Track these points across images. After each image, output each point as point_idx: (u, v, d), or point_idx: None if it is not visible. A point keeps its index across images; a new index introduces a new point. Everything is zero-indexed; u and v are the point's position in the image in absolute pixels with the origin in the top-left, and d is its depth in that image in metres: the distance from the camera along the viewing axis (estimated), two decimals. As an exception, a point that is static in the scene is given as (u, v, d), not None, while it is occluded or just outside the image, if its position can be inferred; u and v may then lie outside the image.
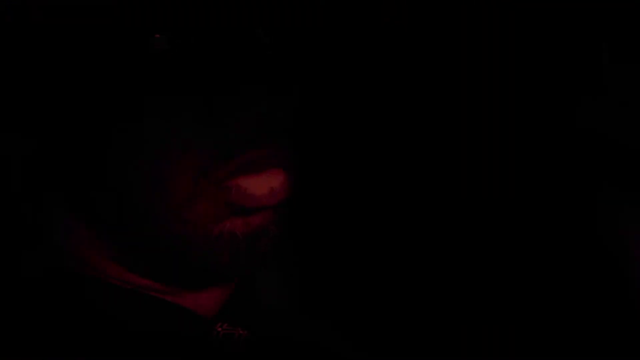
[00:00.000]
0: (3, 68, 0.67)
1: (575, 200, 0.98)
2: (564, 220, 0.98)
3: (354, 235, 1.04)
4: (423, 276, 1.02)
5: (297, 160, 0.69)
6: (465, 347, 0.99)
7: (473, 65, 0.98)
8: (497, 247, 0.99)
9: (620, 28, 0.93)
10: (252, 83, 0.66)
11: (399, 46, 1.01)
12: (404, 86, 1.02)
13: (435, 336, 1.00)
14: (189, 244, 0.66)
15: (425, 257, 1.02)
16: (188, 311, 0.70)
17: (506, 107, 0.98)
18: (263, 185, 0.66)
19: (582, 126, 0.97)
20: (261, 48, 0.68)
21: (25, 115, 0.68)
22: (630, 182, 0.96)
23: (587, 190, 0.97)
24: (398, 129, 1.03)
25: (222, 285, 0.72)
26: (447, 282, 1.01)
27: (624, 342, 0.95)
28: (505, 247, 0.99)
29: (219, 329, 0.71)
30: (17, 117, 0.68)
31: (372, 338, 0.97)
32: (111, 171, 0.66)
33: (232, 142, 0.66)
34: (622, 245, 0.96)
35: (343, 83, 1.02)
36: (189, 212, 0.66)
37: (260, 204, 0.67)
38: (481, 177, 1.00)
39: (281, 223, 0.69)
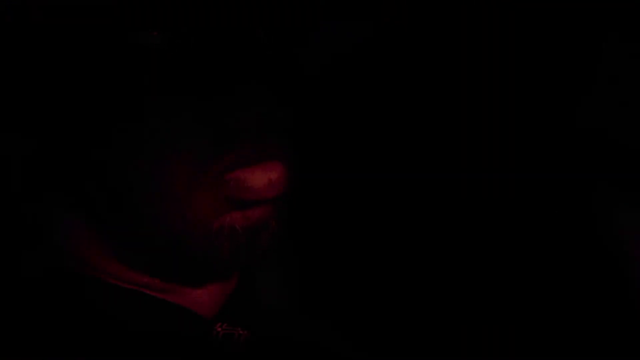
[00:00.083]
0: (3, 68, 0.67)
1: (575, 200, 0.98)
2: (564, 220, 0.98)
3: (354, 235, 1.04)
4: (423, 276, 1.02)
5: (295, 154, 0.69)
6: (465, 347, 0.99)
7: (473, 65, 0.98)
8: (497, 247, 0.99)
9: (620, 28, 0.93)
10: (252, 83, 0.66)
11: (399, 46, 1.01)
12: (404, 86, 1.02)
13: (435, 336, 1.00)
14: (188, 239, 0.66)
15: (425, 257, 1.02)
16: (188, 311, 0.70)
17: (506, 106, 0.98)
18: (261, 177, 0.66)
19: (582, 126, 0.97)
20: (261, 48, 0.68)
21: (25, 115, 0.68)
22: (629, 182, 0.96)
23: (587, 189, 0.97)
24: (398, 128, 1.03)
25: (222, 283, 0.72)
26: (447, 282, 1.01)
27: (624, 342, 0.95)
28: (505, 247, 0.99)
29: (219, 329, 0.71)
30: (17, 117, 0.68)
31: (372, 338, 0.97)
32: (111, 171, 0.66)
33: (232, 140, 0.66)
34: (621, 245, 0.96)
35: (343, 83, 1.02)
36: (188, 206, 0.66)
37: (258, 196, 0.67)
38: (481, 177, 1.00)
39: (281, 218, 0.69)
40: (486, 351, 0.98)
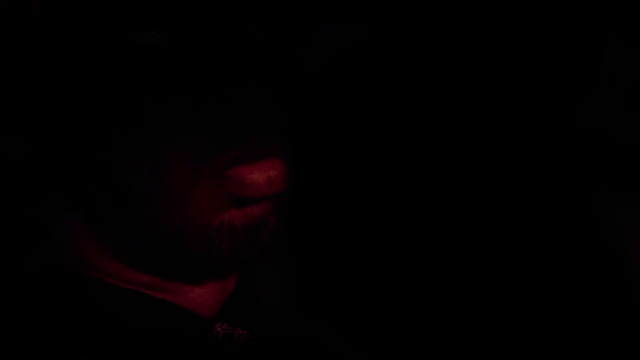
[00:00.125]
0: (3, 68, 0.67)
1: (575, 200, 0.98)
2: (564, 220, 0.98)
3: (354, 235, 1.04)
4: (423, 276, 1.02)
5: (295, 152, 0.69)
6: (465, 347, 0.99)
7: (473, 65, 0.98)
8: (497, 247, 0.99)
9: (620, 28, 0.93)
10: (252, 83, 0.67)
11: (399, 46, 1.01)
12: (404, 86, 1.02)
13: (435, 336, 1.00)
14: (188, 237, 0.66)
15: (425, 257, 1.02)
16: (188, 311, 0.70)
17: (506, 106, 0.98)
18: (260, 174, 0.67)
19: (582, 126, 0.97)
20: (261, 48, 0.68)
21: (25, 115, 0.68)
22: (629, 182, 0.96)
23: (587, 189, 0.97)
24: (398, 128, 1.03)
25: (222, 283, 0.72)
26: (447, 282, 1.01)
27: (624, 342, 0.95)
28: (506, 247, 0.99)
29: (219, 329, 0.71)
30: (17, 117, 0.68)
31: (372, 338, 0.97)
32: (111, 171, 0.66)
33: (231, 139, 0.66)
34: (621, 245, 0.96)
35: (343, 83, 1.02)
36: (188, 205, 0.66)
37: (258, 193, 0.67)
38: (481, 177, 1.00)
39: (281, 216, 0.69)
40: (486, 351, 0.98)
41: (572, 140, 0.97)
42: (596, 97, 0.96)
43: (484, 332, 0.98)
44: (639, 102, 0.94)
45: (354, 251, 1.03)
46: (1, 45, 0.67)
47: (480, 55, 0.97)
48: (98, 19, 0.65)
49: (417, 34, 1.00)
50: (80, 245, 0.69)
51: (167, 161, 0.66)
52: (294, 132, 0.69)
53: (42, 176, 0.69)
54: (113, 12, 0.65)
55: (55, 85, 0.66)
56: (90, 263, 0.69)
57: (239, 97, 0.66)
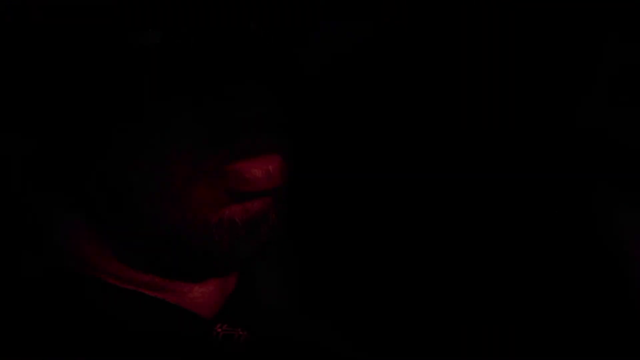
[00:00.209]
0: (3, 68, 0.67)
1: (575, 200, 0.98)
2: (564, 220, 0.98)
3: (354, 235, 1.04)
4: (423, 276, 1.02)
5: (293, 147, 0.69)
6: (465, 347, 0.99)
7: (473, 65, 0.98)
8: (497, 247, 0.99)
9: (620, 28, 0.93)
10: (251, 83, 0.67)
11: (399, 46, 1.01)
12: (404, 86, 1.02)
13: (435, 336, 1.00)
14: (188, 234, 0.67)
15: (425, 257, 1.02)
16: (188, 312, 0.70)
17: (506, 107, 0.98)
18: (259, 168, 0.67)
19: (582, 126, 0.97)
20: (260, 48, 0.68)
21: (25, 115, 0.68)
22: (629, 182, 0.96)
23: (587, 189, 0.97)
24: (398, 128, 1.03)
25: (222, 283, 0.72)
26: (447, 282, 1.01)
27: (624, 342, 0.95)
28: (506, 247, 0.99)
29: (219, 329, 0.71)
30: (17, 117, 0.68)
31: (372, 338, 0.97)
32: (111, 171, 0.66)
33: (231, 139, 0.66)
34: (621, 245, 0.96)
35: (343, 83, 1.02)
36: (188, 202, 0.66)
37: (257, 188, 0.67)
38: (481, 177, 1.00)
39: (281, 212, 0.69)
40: (486, 351, 0.98)
41: (572, 140, 0.97)
42: (596, 97, 0.96)
43: (484, 332, 0.98)
44: (639, 102, 0.94)
45: (353, 251, 1.03)
46: (1, 45, 0.67)
47: (480, 55, 0.97)
48: (98, 18, 0.65)
49: (417, 34, 1.00)
50: (80, 245, 0.69)
51: (167, 161, 0.66)
52: (292, 129, 0.69)
53: (42, 176, 0.69)
54: (113, 12, 0.65)
55: (55, 85, 0.66)
56: (90, 263, 0.69)
57: (239, 97, 0.66)
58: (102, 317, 0.68)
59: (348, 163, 1.03)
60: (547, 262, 0.98)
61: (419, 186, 1.02)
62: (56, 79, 0.66)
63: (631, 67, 0.95)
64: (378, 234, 1.03)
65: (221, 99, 0.66)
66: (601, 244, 0.96)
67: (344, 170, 1.03)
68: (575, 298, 0.97)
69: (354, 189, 1.03)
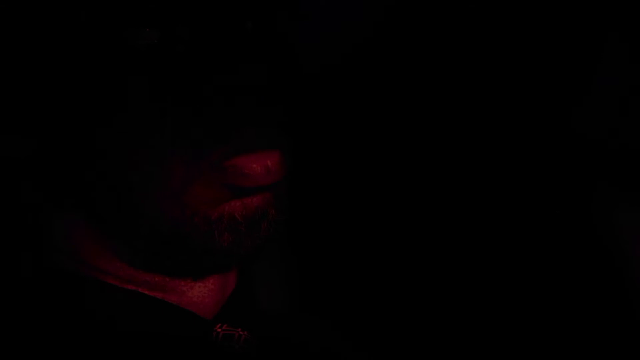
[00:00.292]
0: (3, 68, 0.67)
1: (574, 200, 0.98)
2: (563, 220, 0.98)
3: (354, 235, 1.04)
4: (423, 276, 1.02)
5: (291, 143, 0.69)
6: (465, 347, 0.99)
7: (473, 65, 0.98)
8: (497, 247, 0.99)
9: (620, 28, 0.93)
10: (249, 79, 0.67)
11: (399, 46, 1.01)
12: (404, 85, 1.02)
13: (435, 336, 1.00)
14: (189, 231, 0.67)
15: (425, 257, 1.02)
16: (188, 312, 0.70)
17: (506, 107, 0.98)
18: (258, 164, 0.67)
19: (581, 126, 0.97)
20: (260, 46, 0.68)
21: (25, 115, 0.68)
22: (629, 182, 0.96)
23: (587, 189, 0.97)
24: (398, 128, 1.03)
25: (222, 283, 0.72)
26: (447, 282, 1.01)
27: (624, 342, 0.95)
28: (505, 247, 0.99)
29: (219, 330, 0.71)
30: (17, 117, 0.68)
31: (372, 338, 0.97)
32: (111, 171, 0.66)
33: (229, 136, 0.66)
34: (621, 245, 0.96)
35: (343, 83, 1.02)
36: (187, 198, 0.66)
37: (256, 182, 0.67)
38: (480, 177, 1.00)
39: (280, 208, 0.69)
40: (486, 351, 0.98)
41: (572, 140, 0.97)
42: (595, 98, 0.96)
43: (484, 332, 0.98)
44: (639, 102, 0.94)
45: (353, 251, 1.03)
46: (1, 45, 0.67)
47: (480, 55, 0.97)
48: (97, 18, 0.66)
49: (417, 34, 1.00)
50: (80, 245, 0.69)
51: (166, 158, 0.66)
52: (290, 125, 0.69)
53: (42, 176, 0.69)
54: (110, 11, 0.65)
55: (54, 85, 0.66)
56: (90, 263, 0.69)
57: (237, 94, 0.66)
58: (101, 317, 0.68)
59: (347, 163, 1.03)
60: (547, 262, 0.98)
61: (419, 186, 1.02)
62: (55, 79, 0.66)
63: (631, 67, 0.95)
64: (378, 234, 1.03)
65: (218, 95, 0.66)
66: (601, 244, 0.96)
67: (343, 170, 1.03)
68: (575, 298, 0.97)
69: (353, 189, 1.03)
